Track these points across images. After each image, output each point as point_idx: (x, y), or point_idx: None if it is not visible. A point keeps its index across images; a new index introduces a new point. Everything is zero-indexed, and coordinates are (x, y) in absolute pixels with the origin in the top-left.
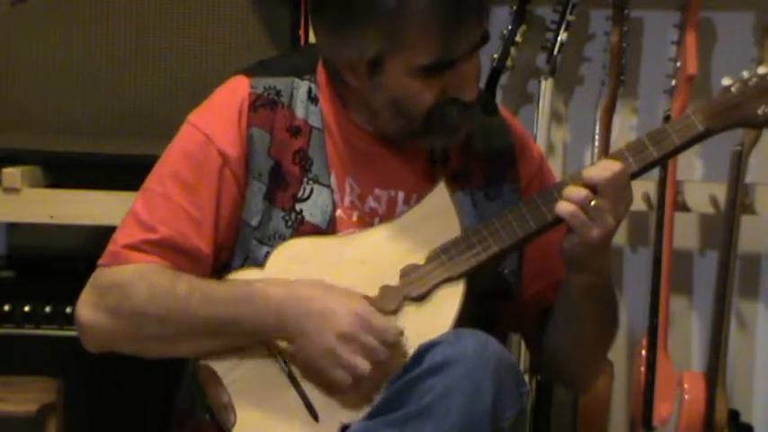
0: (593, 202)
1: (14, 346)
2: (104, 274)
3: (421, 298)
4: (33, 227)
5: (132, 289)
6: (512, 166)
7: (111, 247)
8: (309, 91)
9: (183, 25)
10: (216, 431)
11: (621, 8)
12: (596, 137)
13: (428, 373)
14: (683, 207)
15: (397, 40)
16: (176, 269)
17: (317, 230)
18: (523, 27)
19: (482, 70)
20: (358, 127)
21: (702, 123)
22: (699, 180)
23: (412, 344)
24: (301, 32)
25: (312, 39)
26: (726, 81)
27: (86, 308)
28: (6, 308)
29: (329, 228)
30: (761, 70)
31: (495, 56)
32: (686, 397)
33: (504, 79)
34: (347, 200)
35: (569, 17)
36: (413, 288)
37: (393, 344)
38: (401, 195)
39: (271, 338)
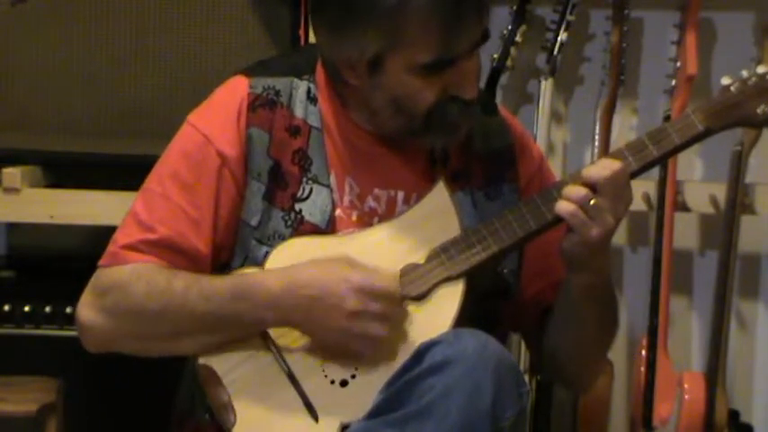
0: (592, 202)
1: (14, 346)
2: (103, 275)
3: (420, 297)
4: (33, 227)
5: (130, 288)
6: (511, 166)
7: (110, 248)
8: (308, 91)
9: (183, 25)
10: (216, 431)
11: (621, 8)
12: (596, 137)
13: (428, 372)
14: (683, 207)
15: (397, 39)
16: (174, 268)
17: (316, 230)
18: (523, 27)
19: (482, 70)
20: (357, 126)
21: (702, 123)
22: (699, 180)
23: (412, 343)
24: (301, 32)
25: (312, 39)
26: (725, 80)
27: (86, 308)
28: (6, 308)
29: (329, 227)
30: (760, 70)
31: (495, 56)
32: (686, 397)
33: (504, 79)
34: (347, 199)
35: (569, 17)
36: (412, 287)
37: (400, 299)
38: (401, 195)
39: (271, 330)
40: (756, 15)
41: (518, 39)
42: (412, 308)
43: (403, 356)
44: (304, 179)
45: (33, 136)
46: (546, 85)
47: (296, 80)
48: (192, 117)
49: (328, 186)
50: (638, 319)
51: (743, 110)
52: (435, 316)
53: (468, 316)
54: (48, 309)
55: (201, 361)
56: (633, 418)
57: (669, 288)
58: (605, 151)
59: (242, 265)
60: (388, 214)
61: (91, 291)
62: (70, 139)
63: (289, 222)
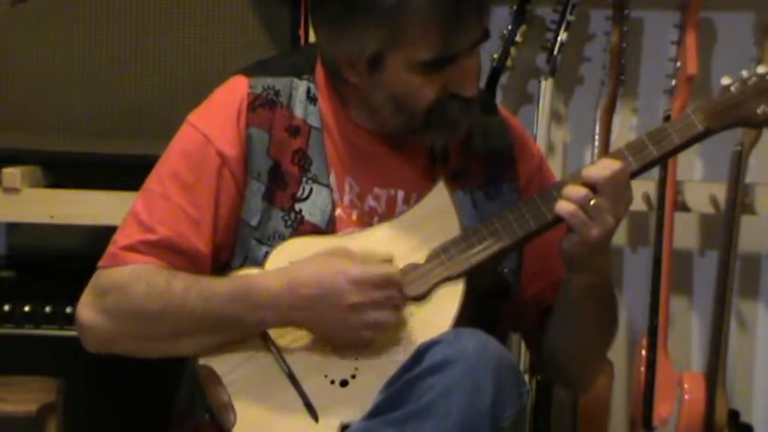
0: (592, 202)
1: (14, 346)
2: (103, 276)
3: (421, 297)
4: (33, 227)
5: (130, 289)
6: (511, 166)
7: (110, 249)
8: (308, 91)
9: (183, 25)
10: (216, 431)
11: (621, 8)
12: (596, 137)
13: (428, 372)
14: (683, 207)
15: (397, 36)
16: (174, 269)
17: (316, 230)
18: (523, 27)
19: (482, 70)
20: (357, 126)
21: (702, 123)
22: (699, 180)
23: (412, 343)
24: (301, 32)
25: (312, 39)
26: (725, 81)
27: (86, 309)
28: (6, 308)
29: (329, 227)
30: (760, 70)
31: (495, 56)
32: (686, 397)
33: (504, 79)
34: (347, 199)
35: (569, 17)
36: (412, 287)
37: (398, 282)
38: (401, 194)
39: (271, 330)
40: (756, 15)
41: (518, 39)
42: (412, 308)
43: (403, 356)
44: (304, 179)
45: (33, 136)
46: (546, 85)
47: (295, 80)
48: (192, 117)
49: (328, 186)
50: (638, 319)
51: (743, 110)
52: (435, 316)
53: (468, 316)
54: (48, 309)
55: (201, 361)
56: (633, 418)
57: (669, 288)
58: (605, 151)
59: (242, 265)
60: (388, 213)
61: (91, 291)
62: (70, 139)
63: (289, 222)
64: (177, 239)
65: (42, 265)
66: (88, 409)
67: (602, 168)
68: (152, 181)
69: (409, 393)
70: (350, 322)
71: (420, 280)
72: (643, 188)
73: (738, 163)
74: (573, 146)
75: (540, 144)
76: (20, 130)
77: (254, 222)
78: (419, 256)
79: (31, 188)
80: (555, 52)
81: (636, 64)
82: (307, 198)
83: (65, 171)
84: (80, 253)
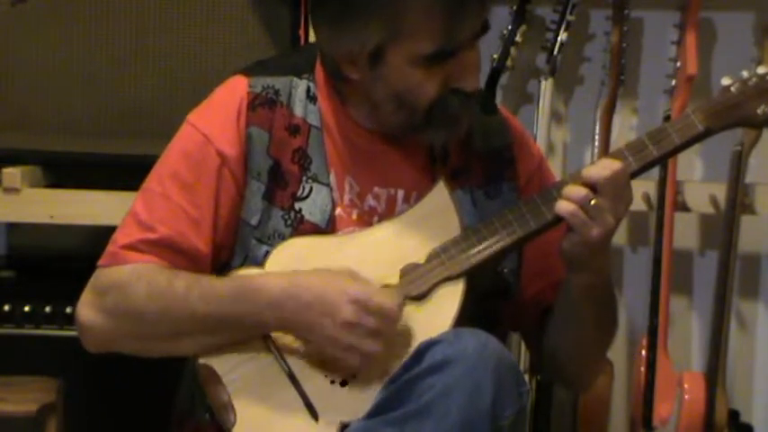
0: (592, 201)
1: (14, 346)
2: (103, 275)
3: (421, 297)
4: (33, 227)
5: (131, 289)
6: (511, 165)
7: (110, 248)
8: (308, 90)
9: (183, 25)
10: (216, 431)
11: (621, 8)
12: (596, 137)
13: (428, 371)
14: (683, 207)
15: (398, 30)
16: (175, 268)
17: (316, 229)
18: (523, 27)
19: (482, 70)
20: (357, 125)
21: (702, 123)
22: (699, 180)
23: (412, 343)
24: (301, 32)
25: (312, 39)
26: (725, 81)
27: (86, 308)
28: (6, 308)
29: (329, 226)
30: (760, 70)
31: (495, 56)
32: (686, 397)
33: (504, 79)
34: (347, 198)
35: (569, 17)
36: (413, 287)
37: (396, 319)
38: (401, 193)
39: (271, 332)
40: (756, 15)
41: (518, 39)
42: (412, 307)
43: (403, 356)
44: (304, 178)
45: (33, 136)
46: (546, 85)
47: (295, 79)
48: (192, 117)
49: (328, 185)
50: (638, 319)
51: (743, 110)
52: (435, 315)
53: (468, 316)
54: (48, 309)
55: (202, 361)
56: (633, 418)
57: (669, 288)
58: (605, 151)
59: (242, 265)
60: (388, 213)
61: (90, 290)
62: (70, 139)
63: (289, 222)
64: (177, 239)
65: (42, 265)
66: (88, 409)
67: (603, 168)
68: (152, 181)
69: (409, 393)
70: (336, 338)
71: (420, 280)
72: (643, 188)
73: (738, 163)
74: (573, 146)
75: (540, 144)
76: (20, 130)
77: (254, 222)
78: (419, 256)
79: (31, 188)
80: (555, 52)
81: (636, 64)
82: (307, 197)
83: (65, 171)
84: (80, 253)
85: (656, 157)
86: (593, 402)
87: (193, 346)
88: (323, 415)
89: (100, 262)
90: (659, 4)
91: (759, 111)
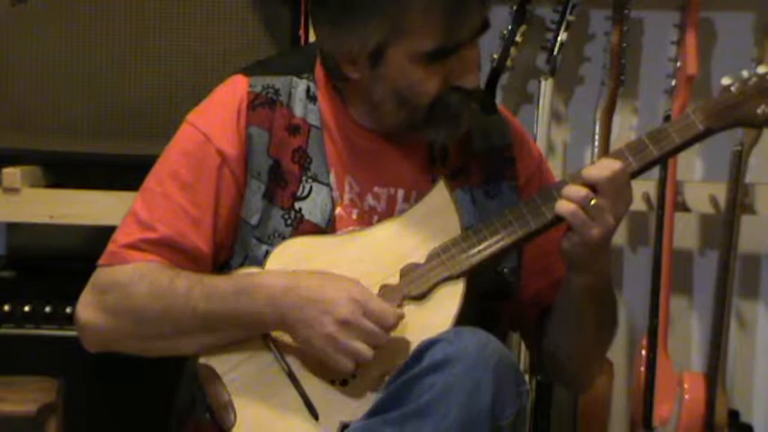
0: (593, 201)
1: (14, 346)
2: (104, 274)
3: (421, 297)
4: (33, 227)
5: (132, 288)
6: (510, 164)
7: (110, 247)
8: (308, 90)
9: (183, 25)
10: (216, 430)
11: (621, 8)
12: (596, 137)
13: (428, 371)
14: (683, 207)
15: (399, 27)
16: (176, 268)
17: (316, 229)
18: (523, 27)
19: (482, 70)
20: (357, 124)
21: (702, 123)
22: (699, 180)
23: (412, 342)
24: (301, 32)
25: (312, 39)
26: (725, 81)
27: (86, 308)
28: (6, 308)
29: (329, 226)
30: (760, 70)
31: (495, 56)
32: (686, 397)
33: (504, 79)
34: (347, 198)
35: (569, 17)
36: (413, 287)
37: (393, 327)
38: (401, 193)
39: (271, 331)
40: (756, 15)
41: (518, 39)
42: (412, 307)
43: (403, 355)
44: (304, 178)
45: (33, 136)
46: (546, 85)
47: (295, 79)
48: (192, 116)
49: (328, 185)
50: (638, 319)
51: (743, 110)
52: (436, 315)
53: (468, 315)
54: (48, 309)
55: (202, 360)
56: (633, 418)
57: (669, 288)
58: (605, 151)
59: (242, 264)
60: (388, 212)
61: (91, 290)
62: (70, 139)
63: (289, 221)
64: (178, 238)
65: (42, 265)
66: (88, 409)
67: (603, 168)
68: (151, 180)
69: (409, 392)
70: (331, 335)
71: (420, 279)
72: (643, 188)
73: (738, 163)
74: (573, 146)
75: (540, 144)
76: (20, 130)
77: (254, 221)
78: (419, 256)
79: (31, 188)
80: (555, 52)
81: (636, 64)
82: (307, 197)
83: (65, 171)
84: (80, 253)
85: (656, 157)
86: (593, 402)
87: (194, 345)
88: (323, 414)
89: (100, 261)
90: (659, 4)
91: (759, 111)
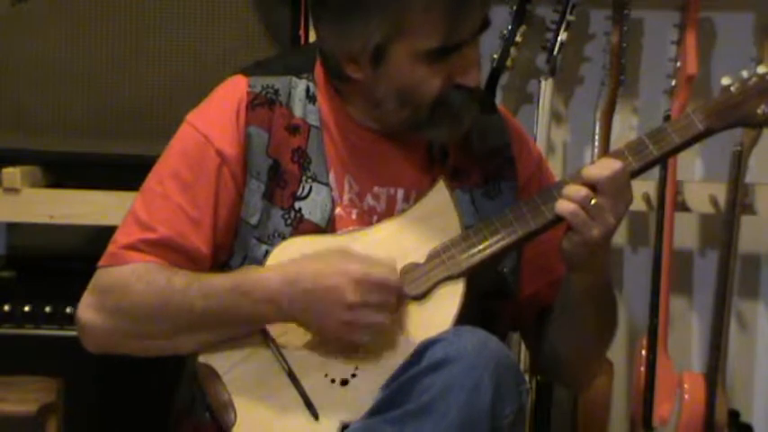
0: (593, 201)
1: (14, 346)
2: (104, 275)
3: (421, 296)
4: (33, 227)
5: (131, 288)
6: (510, 164)
7: (110, 248)
8: (308, 90)
9: (183, 25)
10: (216, 430)
11: (621, 8)
12: (596, 137)
13: (428, 370)
14: (683, 207)
15: (401, 26)
16: (175, 267)
17: (316, 229)
18: (523, 27)
19: (482, 70)
20: (357, 124)
21: (702, 123)
22: (699, 180)
23: (412, 342)
24: (301, 32)
25: (312, 39)
26: (725, 81)
27: (86, 309)
28: (6, 308)
29: (328, 226)
30: (760, 70)
31: (495, 56)
32: (686, 397)
33: (504, 79)
34: (346, 198)
35: (569, 17)
36: (413, 286)
37: (398, 286)
38: (400, 193)
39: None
40: (756, 15)
41: (518, 39)
42: (412, 307)
43: (403, 355)
44: (303, 178)
45: (33, 136)
46: (546, 85)
47: (295, 79)
48: (191, 117)
49: (327, 185)
50: (638, 319)
51: (743, 110)
52: (436, 315)
53: (468, 315)
54: (48, 309)
55: (202, 359)
56: (633, 418)
57: (669, 288)
58: (605, 151)
59: (241, 264)
60: (388, 212)
61: (91, 291)
62: (70, 139)
63: (288, 221)
64: (178, 239)
65: (42, 265)
66: (88, 409)
67: (603, 168)
68: (151, 181)
69: (409, 392)
70: (346, 321)
71: (420, 279)
72: (643, 188)
73: (738, 163)
74: (573, 146)
75: (540, 144)
76: (20, 130)
77: (253, 221)
78: (419, 256)
79: (31, 188)
80: (555, 52)
81: (636, 64)
82: (306, 197)
83: (65, 171)
84: (80, 253)
85: (656, 156)
86: (593, 402)
87: (193, 343)
88: (323, 414)
89: (100, 262)
90: (659, 4)
91: (759, 111)
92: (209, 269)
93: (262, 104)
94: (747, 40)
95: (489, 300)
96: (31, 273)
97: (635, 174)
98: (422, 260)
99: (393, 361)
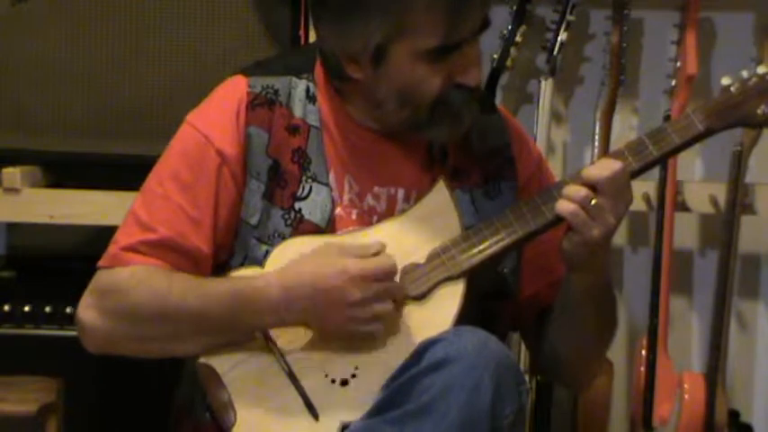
0: (593, 201)
1: (14, 346)
2: (104, 277)
3: (421, 297)
4: (33, 227)
5: (131, 292)
6: (510, 165)
7: (111, 249)
8: (307, 90)
9: (183, 25)
10: (216, 430)
11: (621, 8)
12: (596, 137)
13: (428, 370)
14: (683, 207)
15: (402, 25)
16: (175, 270)
17: (316, 229)
18: (523, 27)
19: (482, 69)
20: (357, 125)
21: (702, 123)
22: (699, 180)
23: (412, 342)
24: (301, 32)
25: (312, 39)
26: (725, 81)
27: (86, 310)
28: (6, 308)
29: (328, 226)
30: (760, 70)
31: (495, 56)
32: (686, 397)
33: (504, 79)
34: (346, 198)
35: (569, 17)
36: (413, 287)
37: (395, 271)
38: (401, 193)
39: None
40: (756, 15)
41: (518, 39)
42: (412, 307)
43: (403, 355)
44: (303, 178)
45: (33, 136)
46: (546, 85)
47: (294, 79)
48: (191, 117)
49: (327, 185)
50: (638, 319)
51: (743, 110)
52: (436, 315)
53: (468, 315)
54: (48, 309)
55: (202, 360)
56: (633, 418)
57: (669, 288)
58: (605, 151)
59: (241, 264)
60: (388, 212)
61: (91, 292)
62: (70, 139)
63: (288, 221)
64: (178, 239)
65: (42, 265)
66: (88, 409)
67: (603, 168)
68: (151, 181)
69: (409, 392)
70: (353, 317)
71: (420, 280)
72: (643, 188)
73: (738, 163)
74: (573, 146)
75: (540, 144)
76: (20, 130)
77: (253, 221)
78: (419, 256)
79: (31, 188)
80: (555, 52)
81: (636, 64)
82: (306, 197)
83: (65, 171)
84: (80, 253)
85: (656, 157)
86: (593, 402)
87: (193, 347)
88: (323, 414)
89: (100, 263)
90: (659, 4)
91: (759, 111)
92: (210, 269)
93: (262, 104)
94: (747, 40)
95: (489, 300)
96: (31, 273)
97: (635, 174)
98: (422, 260)
99: (393, 361)
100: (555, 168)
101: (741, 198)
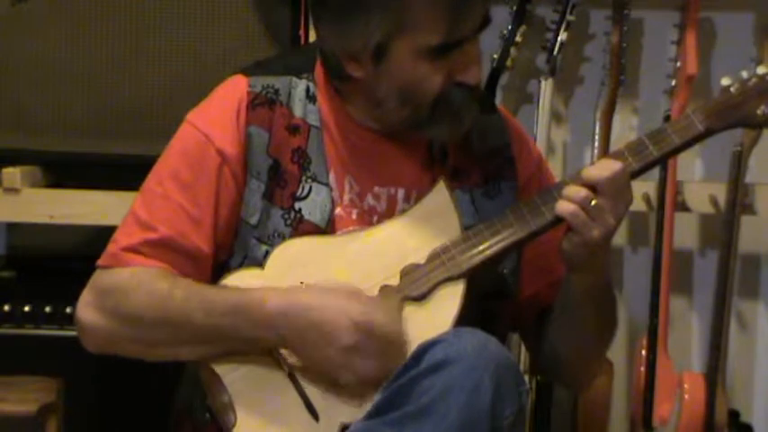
0: (593, 202)
1: (14, 346)
2: (104, 276)
3: (421, 298)
4: (33, 227)
5: (130, 294)
6: (510, 165)
7: (110, 248)
8: (308, 90)
9: (183, 25)
10: (216, 431)
11: (621, 8)
12: (596, 137)
13: (427, 371)
14: (683, 207)
15: (403, 22)
16: (176, 271)
17: (316, 229)
18: (523, 27)
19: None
20: (357, 124)
21: (702, 123)
22: (699, 180)
23: (412, 343)
24: (301, 32)
25: (312, 39)
26: (725, 81)
27: (86, 308)
28: (6, 308)
29: (328, 226)
30: (760, 70)
31: (495, 56)
32: (686, 397)
33: (504, 79)
34: (346, 198)
35: (569, 17)
36: (413, 288)
37: (396, 344)
38: (401, 192)
39: (270, 347)
40: (756, 15)
41: (518, 39)
42: (412, 308)
43: (403, 356)
44: (303, 178)
45: (33, 136)
46: (546, 85)
47: (295, 79)
48: (192, 116)
49: (327, 185)
50: (638, 319)
51: (743, 110)
52: (436, 316)
53: (468, 316)
54: (48, 309)
55: (202, 362)
56: (633, 418)
57: (669, 288)
58: (605, 151)
59: (241, 264)
60: (389, 212)
61: (91, 291)
62: (70, 139)
63: (288, 221)
64: (178, 239)
65: (42, 265)
66: (88, 409)
67: (603, 169)
68: (152, 181)
69: (409, 393)
70: (334, 360)
71: (420, 280)
72: (643, 188)
73: (738, 163)
74: (573, 146)
75: (540, 144)
76: (20, 130)
77: (253, 221)
78: (420, 256)
79: (31, 188)
80: (555, 52)
81: (636, 64)
82: (306, 197)
83: (65, 171)
84: (80, 253)
85: (656, 157)
86: (593, 402)
87: (192, 353)
88: (323, 415)
89: (100, 262)
90: (659, 4)
91: (759, 111)
92: (210, 269)
93: (262, 104)
94: (747, 40)
95: (489, 300)
96: (31, 273)
97: (635, 174)
98: (422, 261)
99: (396, 359)
100: (555, 168)
101: (741, 198)
